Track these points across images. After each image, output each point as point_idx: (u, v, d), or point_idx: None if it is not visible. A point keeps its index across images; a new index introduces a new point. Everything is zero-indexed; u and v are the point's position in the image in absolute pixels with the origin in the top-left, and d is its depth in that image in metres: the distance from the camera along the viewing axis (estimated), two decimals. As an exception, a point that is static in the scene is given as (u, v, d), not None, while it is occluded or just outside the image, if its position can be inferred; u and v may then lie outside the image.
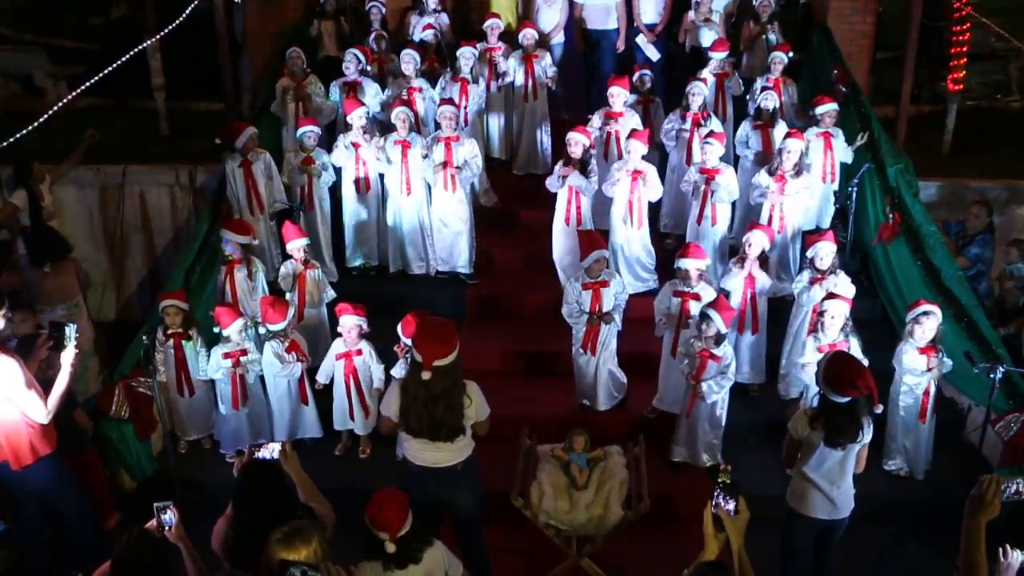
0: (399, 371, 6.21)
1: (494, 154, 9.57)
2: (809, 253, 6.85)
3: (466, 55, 9.04)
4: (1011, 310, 7.71)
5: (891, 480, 6.60)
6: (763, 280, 7.00)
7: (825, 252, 6.77)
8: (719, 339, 6.27)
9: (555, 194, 7.91)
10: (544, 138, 9.44)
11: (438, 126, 8.16)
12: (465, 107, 8.90)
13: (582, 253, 6.82)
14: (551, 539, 5.81)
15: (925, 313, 6.27)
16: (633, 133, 7.91)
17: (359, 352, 6.65)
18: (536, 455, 6.15)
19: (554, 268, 8.11)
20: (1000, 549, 4.08)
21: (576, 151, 7.70)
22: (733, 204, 8.02)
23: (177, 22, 8.77)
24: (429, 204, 8.23)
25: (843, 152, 8.33)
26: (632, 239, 7.90)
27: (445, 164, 7.96)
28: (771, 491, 5.50)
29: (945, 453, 6.69)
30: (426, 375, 4.75)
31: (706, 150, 7.73)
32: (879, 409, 5.47)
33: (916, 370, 6.32)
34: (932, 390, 6.38)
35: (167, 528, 4.04)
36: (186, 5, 8.82)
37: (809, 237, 7.09)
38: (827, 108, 8.25)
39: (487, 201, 9.12)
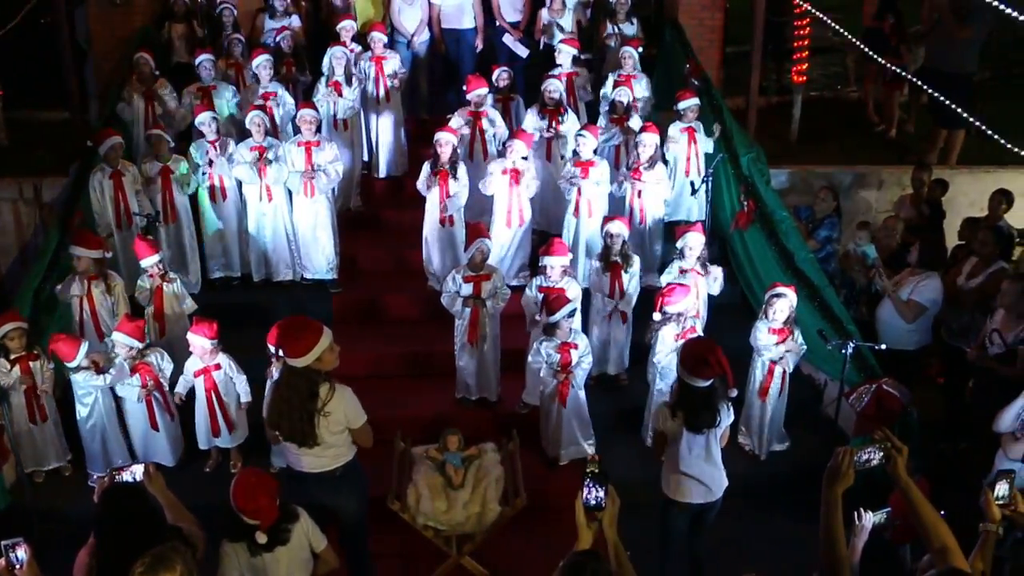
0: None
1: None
2: (679, 244, 7.00)
3: (337, 55, 8.76)
4: (861, 290, 8.09)
5: (758, 456, 6.84)
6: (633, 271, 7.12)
7: (694, 243, 6.95)
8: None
9: (423, 196, 7.86)
10: (402, 139, 9.33)
11: (297, 130, 7.97)
12: (335, 112, 8.75)
13: (467, 243, 6.93)
14: (431, 540, 5.79)
15: (776, 295, 6.53)
16: (518, 133, 7.95)
17: (217, 367, 6.44)
18: (411, 457, 6.11)
19: (422, 270, 8.07)
20: (855, 513, 4.33)
21: (445, 151, 7.66)
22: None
23: (10, 26, 8.30)
24: (291, 209, 8.03)
25: (705, 143, 8.56)
26: (515, 236, 7.96)
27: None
28: (642, 477, 5.65)
29: (805, 427, 7.00)
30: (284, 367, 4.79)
31: (580, 143, 7.80)
32: (734, 393, 5.66)
33: (766, 348, 6.59)
34: (777, 371, 6.62)
35: (17, 567, 3.78)
36: (19, 7, 8.35)
37: (678, 228, 7.25)
38: (689, 103, 8.44)
39: (352, 204, 8.98)
